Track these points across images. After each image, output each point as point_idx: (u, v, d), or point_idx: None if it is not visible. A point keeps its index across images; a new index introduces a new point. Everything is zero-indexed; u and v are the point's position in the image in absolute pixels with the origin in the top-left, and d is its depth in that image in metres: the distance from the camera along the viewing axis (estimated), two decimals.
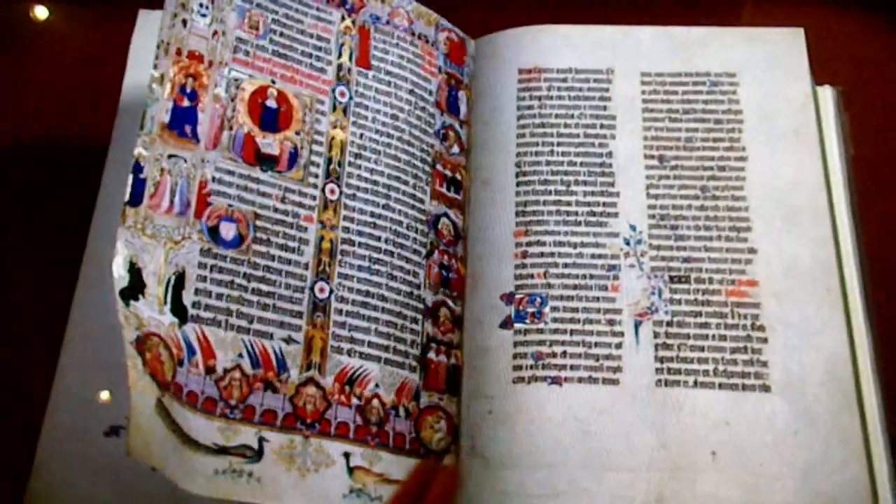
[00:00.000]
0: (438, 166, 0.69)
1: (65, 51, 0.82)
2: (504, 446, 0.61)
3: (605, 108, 0.71)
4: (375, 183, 0.67)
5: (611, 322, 0.64)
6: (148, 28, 0.74)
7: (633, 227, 0.67)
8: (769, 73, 0.72)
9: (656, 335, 0.63)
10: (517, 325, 0.64)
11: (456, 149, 0.71)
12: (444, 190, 0.68)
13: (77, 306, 0.65)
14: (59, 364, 0.63)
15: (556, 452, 0.60)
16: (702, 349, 0.63)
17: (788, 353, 0.62)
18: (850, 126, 0.71)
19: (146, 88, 0.64)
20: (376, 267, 0.65)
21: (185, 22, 0.67)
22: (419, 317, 0.64)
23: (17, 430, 0.64)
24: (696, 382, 0.62)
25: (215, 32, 0.68)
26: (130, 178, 0.61)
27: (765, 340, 0.63)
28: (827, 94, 0.72)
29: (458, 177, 0.70)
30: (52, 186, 0.74)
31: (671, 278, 0.65)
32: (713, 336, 0.63)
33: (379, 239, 0.66)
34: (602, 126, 0.71)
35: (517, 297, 0.65)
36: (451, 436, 0.61)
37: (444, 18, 0.74)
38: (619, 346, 0.63)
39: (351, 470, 0.59)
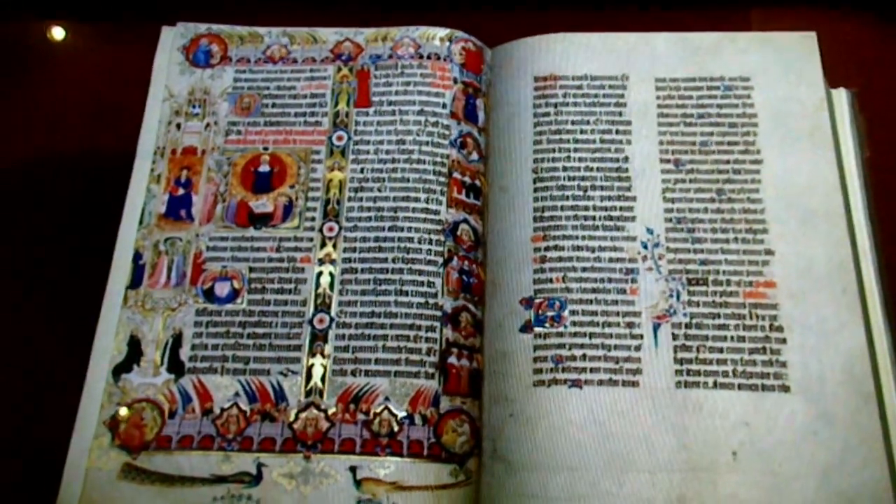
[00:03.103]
0: (456, 174, 0.70)
1: (88, 66, 0.84)
2: (525, 449, 0.61)
3: (620, 113, 0.72)
4: (380, 209, 0.68)
5: (630, 325, 0.65)
6: (170, 43, 0.76)
7: (650, 231, 0.67)
8: (783, 76, 0.72)
9: (675, 337, 0.64)
10: (537, 329, 0.65)
11: (475, 155, 0.71)
12: (462, 197, 0.69)
13: (104, 318, 0.66)
14: (87, 374, 0.64)
15: (577, 455, 0.61)
16: (720, 350, 0.63)
17: (807, 354, 0.63)
18: (865, 128, 0.71)
19: (146, 188, 0.69)
20: (383, 287, 0.65)
21: (178, 125, 0.71)
22: (436, 324, 0.64)
23: (45, 443, 0.65)
24: (715, 383, 0.62)
25: (208, 125, 0.72)
26: (130, 265, 0.67)
27: (783, 341, 0.63)
28: (842, 96, 0.72)
29: (478, 183, 0.70)
30: (79, 200, 0.75)
31: (689, 281, 0.66)
32: (732, 337, 0.64)
33: (385, 260, 0.66)
34: (618, 131, 0.71)
35: (536, 301, 0.66)
36: (473, 439, 0.62)
37: (461, 30, 0.75)
38: (638, 348, 0.64)
39: (358, 482, 0.60)
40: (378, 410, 0.62)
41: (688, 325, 0.64)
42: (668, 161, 0.70)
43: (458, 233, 0.68)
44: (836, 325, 0.63)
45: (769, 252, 0.66)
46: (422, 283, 0.65)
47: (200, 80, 0.74)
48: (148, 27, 0.77)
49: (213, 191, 0.70)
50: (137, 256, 0.67)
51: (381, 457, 0.60)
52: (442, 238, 0.67)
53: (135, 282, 0.66)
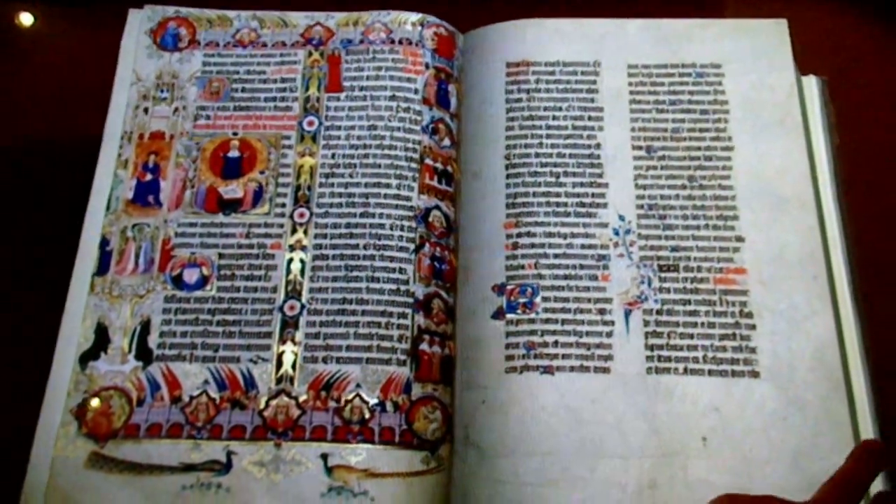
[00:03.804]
0: (428, 160, 0.69)
1: (55, 51, 0.82)
2: (498, 435, 0.61)
3: (592, 100, 0.72)
4: (351, 195, 0.67)
5: (601, 311, 0.65)
6: (137, 26, 0.74)
7: (621, 218, 0.67)
8: (754, 63, 0.72)
9: (646, 323, 0.64)
10: (509, 316, 0.65)
11: (447, 141, 0.71)
12: (434, 183, 0.68)
13: (70, 305, 0.65)
14: (53, 362, 0.63)
15: (549, 441, 0.61)
16: (691, 336, 0.63)
17: (777, 340, 0.63)
18: (835, 115, 0.72)
19: (113, 174, 0.68)
20: (354, 274, 0.65)
21: (146, 110, 0.70)
22: (408, 311, 0.64)
23: (10, 432, 0.64)
24: (686, 369, 0.62)
25: (176, 109, 0.71)
26: (97, 252, 0.66)
27: (753, 327, 0.64)
28: (812, 83, 0.72)
29: (450, 169, 0.70)
30: (44, 185, 0.74)
31: (660, 267, 0.66)
32: (702, 324, 0.64)
33: (356, 247, 0.66)
34: (590, 118, 0.71)
35: (508, 287, 0.66)
36: (445, 426, 0.61)
37: (432, 15, 0.74)
38: (609, 334, 0.64)
39: (329, 469, 0.59)
40: (349, 397, 0.61)
41: (659, 312, 0.64)
42: (640, 148, 0.70)
43: (430, 219, 0.67)
44: (807, 311, 0.64)
45: (740, 239, 0.66)
46: (393, 270, 0.65)
47: (168, 64, 0.73)
48: (115, 9, 0.75)
49: (181, 176, 0.69)
50: (104, 243, 0.66)
51: (352, 444, 0.60)
52: (414, 224, 0.67)
53: (102, 268, 0.65)
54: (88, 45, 0.81)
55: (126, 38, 0.74)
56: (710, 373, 0.62)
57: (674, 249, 0.66)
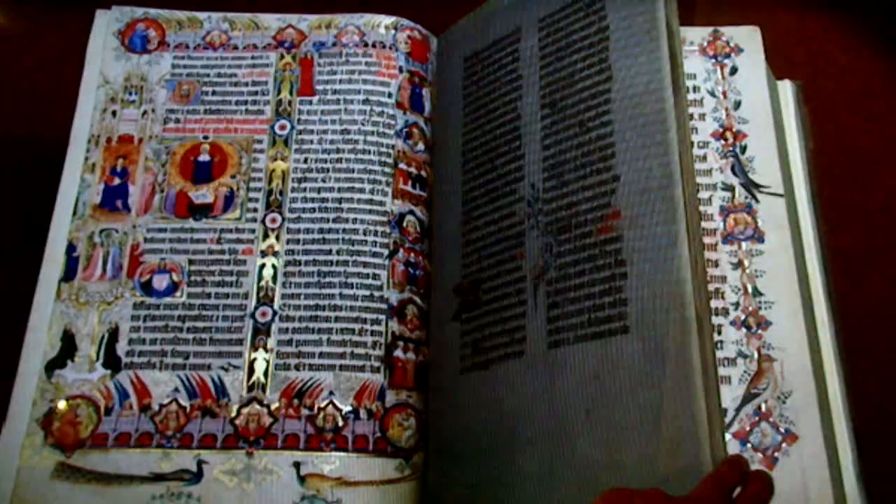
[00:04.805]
0: (402, 165, 0.68)
1: (20, 52, 0.81)
2: (458, 438, 0.60)
3: (514, 69, 0.68)
4: (324, 200, 0.67)
5: (518, 291, 0.61)
6: (104, 28, 0.73)
7: (532, 186, 0.63)
8: None
9: (548, 295, 0.59)
10: (463, 316, 0.63)
11: (421, 146, 0.70)
12: (408, 188, 0.68)
13: (36, 312, 0.63)
14: (18, 370, 0.61)
15: (486, 439, 0.59)
16: (579, 300, 0.58)
17: (642, 284, 0.55)
18: (809, 120, 0.71)
19: (80, 178, 0.67)
20: (327, 279, 0.64)
21: (114, 113, 0.69)
22: (382, 317, 0.63)
23: None
24: (574, 338, 0.57)
25: (145, 112, 0.70)
26: (63, 258, 0.64)
27: (624, 276, 0.56)
28: (787, 88, 0.72)
29: (424, 174, 0.69)
30: (9, 190, 0.73)
31: (558, 230, 0.61)
32: (587, 283, 0.58)
33: (329, 252, 0.65)
34: (513, 89, 0.68)
35: (463, 287, 0.64)
36: (419, 433, 0.61)
37: (406, 18, 0.74)
38: (523, 315, 0.60)
39: (302, 478, 0.58)
40: (322, 405, 0.61)
41: (557, 280, 0.59)
42: (545, 106, 0.65)
43: (404, 224, 0.67)
44: (666, 242, 0.55)
45: (616, 178, 0.59)
46: (367, 276, 0.64)
47: (137, 66, 0.72)
48: (81, 10, 0.74)
49: (150, 181, 0.68)
50: (71, 248, 0.65)
51: (325, 452, 0.59)
52: (387, 230, 0.66)
53: (68, 274, 0.64)
54: (54, 46, 0.79)
55: (93, 39, 0.73)
56: (592, 336, 0.56)
57: (568, 207, 0.61)
